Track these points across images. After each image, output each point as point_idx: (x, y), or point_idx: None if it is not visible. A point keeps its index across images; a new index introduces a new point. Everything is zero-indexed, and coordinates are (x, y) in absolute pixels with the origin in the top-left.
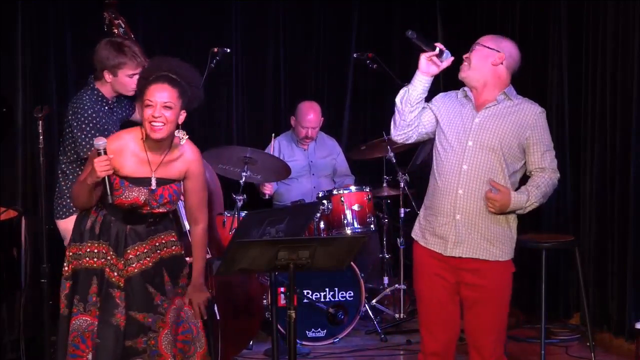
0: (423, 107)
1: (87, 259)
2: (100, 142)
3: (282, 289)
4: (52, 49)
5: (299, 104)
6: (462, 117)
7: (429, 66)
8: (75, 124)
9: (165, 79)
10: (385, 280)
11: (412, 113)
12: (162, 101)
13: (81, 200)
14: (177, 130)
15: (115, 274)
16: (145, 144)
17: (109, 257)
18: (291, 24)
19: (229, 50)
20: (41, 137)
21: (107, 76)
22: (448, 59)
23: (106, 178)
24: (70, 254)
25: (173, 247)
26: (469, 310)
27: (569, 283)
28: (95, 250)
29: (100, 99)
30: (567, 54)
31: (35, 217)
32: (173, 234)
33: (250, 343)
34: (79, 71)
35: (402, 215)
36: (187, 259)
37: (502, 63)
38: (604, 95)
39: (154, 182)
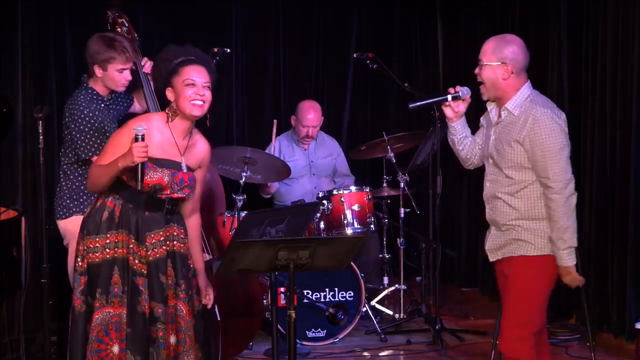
0: (473, 139)
1: (108, 250)
2: (140, 127)
3: (282, 289)
4: (52, 49)
5: (300, 103)
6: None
7: (453, 113)
8: (72, 125)
9: (201, 62)
10: (385, 280)
11: (464, 150)
12: (203, 81)
13: (101, 183)
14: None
15: (137, 261)
16: (171, 126)
17: (131, 245)
18: (291, 24)
19: (228, 51)
20: (41, 137)
21: (97, 71)
22: (467, 95)
23: (140, 164)
24: (85, 247)
25: (183, 245)
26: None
27: None
28: (116, 240)
29: (95, 97)
30: (567, 53)
31: (35, 217)
32: (183, 231)
33: (250, 343)
34: (78, 71)
35: (402, 215)
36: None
37: (512, 73)
38: (604, 95)
39: (184, 167)
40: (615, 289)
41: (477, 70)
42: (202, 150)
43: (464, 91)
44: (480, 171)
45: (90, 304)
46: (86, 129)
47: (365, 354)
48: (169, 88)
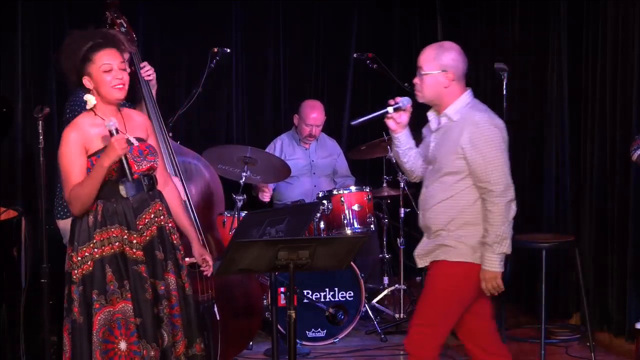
0: (417, 150)
1: (96, 249)
2: (110, 122)
3: (282, 289)
4: (52, 49)
5: (303, 102)
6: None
7: (396, 124)
8: (70, 117)
9: (108, 45)
10: (385, 280)
11: (408, 163)
12: (118, 62)
13: (89, 196)
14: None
15: (134, 250)
16: (99, 115)
17: (124, 237)
18: (291, 24)
19: (228, 51)
20: (41, 137)
21: None
22: (408, 105)
23: (124, 156)
24: (80, 258)
25: (167, 220)
26: None
27: (569, 283)
28: (103, 238)
29: None
30: (567, 53)
31: (35, 217)
32: (165, 205)
33: (250, 343)
34: None
35: (402, 215)
36: (187, 259)
37: (453, 80)
38: (604, 95)
39: (133, 140)
40: (615, 289)
41: (416, 80)
42: (140, 118)
43: (405, 101)
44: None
45: (89, 311)
46: None
47: (365, 354)
48: (86, 77)
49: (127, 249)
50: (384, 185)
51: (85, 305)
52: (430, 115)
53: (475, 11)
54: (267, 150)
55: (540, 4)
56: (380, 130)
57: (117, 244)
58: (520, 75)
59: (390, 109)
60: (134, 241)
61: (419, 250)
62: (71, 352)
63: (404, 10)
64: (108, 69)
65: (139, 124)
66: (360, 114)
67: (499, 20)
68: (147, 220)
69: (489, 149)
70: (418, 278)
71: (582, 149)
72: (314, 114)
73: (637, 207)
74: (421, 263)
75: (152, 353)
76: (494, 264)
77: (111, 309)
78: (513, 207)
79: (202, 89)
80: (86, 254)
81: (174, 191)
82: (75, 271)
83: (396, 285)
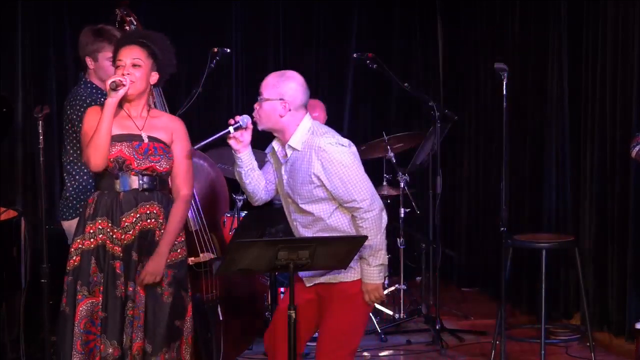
0: (260, 172)
1: (86, 241)
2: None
3: (282, 289)
4: (51, 48)
5: None
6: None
7: (238, 143)
8: (74, 116)
9: (134, 42)
10: (385, 280)
11: (250, 184)
12: (132, 58)
13: (101, 143)
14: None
15: (114, 245)
16: (122, 107)
17: (108, 230)
18: (291, 24)
19: (228, 51)
20: (41, 137)
21: (90, 63)
22: (248, 123)
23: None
24: (73, 249)
25: (149, 220)
26: None
27: (569, 283)
28: (91, 231)
29: (94, 90)
30: (567, 53)
31: (35, 217)
32: (162, 214)
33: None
34: (78, 71)
35: (402, 215)
36: (191, 259)
37: (290, 110)
38: (604, 95)
39: (145, 137)
40: (615, 289)
41: (256, 105)
42: (169, 121)
43: (244, 119)
44: (480, 169)
45: (73, 301)
46: None
47: (365, 354)
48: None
49: (108, 242)
50: (384, 184)
51: (72, 296)
52: (276, 145)
53: (476, 11)
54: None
55: (540, 4)
56: (380, 131)
57: (101, 236)
58: (520, 75)
59: (231, 129)
60: (115, 236)
61: (306, 274)
62: (57, 339)
63: (404, 10)
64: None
65: (163, 126)
66: (362, 114)
67: (499, 20)
68: (133, 219)
69: (343, 170)
70: (418, 278)
71: (582, 149)
72: (315, 112)
73: (637, 207)
74: (310, 282)
75: (110, 350)
76: (373, 277)
77: (94, 301)
78: (384, 217)
79: (202, 89)
80: (78, 246)
81: (183, 208)
82: (69, 262)
83: (396, 286)
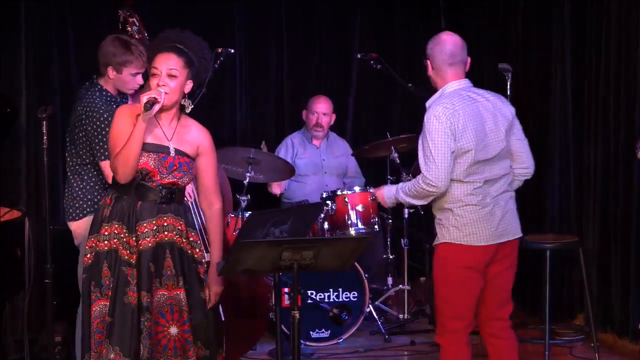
0: None
1: (101, 243)
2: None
3: (286, 290)
4: (55, 48)
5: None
6: None
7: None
8: (90, 128)
9: (172, 49)
10: (389, 280)
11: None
12: (168, 68)
13: (129, 158)
14: (183, 99)
15: (128, 251)
16: (155, 115)
17: (122, 236)
18: (294, 24)
19: (232, 51)
20: (45, 138)
21: (111, 72)
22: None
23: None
24: (88, 247)
25: (180, 237)
26: None
27: (573, 284)
28: (106, 233)
29: (109, 98)
30: (570, 53)
31: (39, 217)
32: (183, 223)
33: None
34: (82, 71)
35: (406, 215)
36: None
37: None
38: (608, 95)
39: (172, 150)
40: (618, 290)
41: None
42: (196, 134)
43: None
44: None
45: (89, 300)
46: (104, 132)
47: (369, 354)
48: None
49: (121, 248)
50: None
51: (87, 294)
52: None
53: (478, 11)
54: (278, 148)
55: (543, 4)
56: (384, 131)
57: (115, 240)
58: (524, 75)
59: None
60: (128, 243)
61: None
62: (81, 331)
63: (407, 10)
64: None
65: (191, 140)
66: (365, 114)
67: (502, 20)
68: (146, 229)
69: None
70: (422, 278)
71: (585, 149)
72: (320, 102)
73: None
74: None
75: (112, 356)
76: (389, 195)
77: (106, 303)
78: (425, 190)
79: (206, 89)
80: (92, 244)
81: (214, 215)
82: (84, 258)
83: (400, 286)
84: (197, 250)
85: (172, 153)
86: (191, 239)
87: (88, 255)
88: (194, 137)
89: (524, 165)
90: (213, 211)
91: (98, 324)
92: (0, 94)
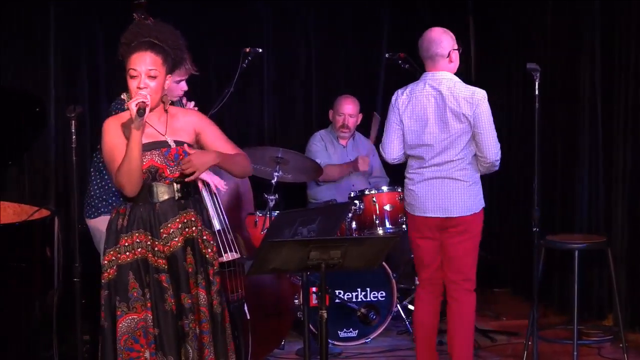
0: None
1: (122, 255)
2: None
3: (314, 289)
4: (83, 48)
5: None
6: None
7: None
8: None
9: (148, 46)
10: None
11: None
12: (147, 69)
13: (133, 170)
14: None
15: (157, 257)
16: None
17: (148, 243)
18: (321, 23)
19: (261, 50)
20: (74, 137)
21: None
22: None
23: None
24: (106, 262)
25: (200, 232)
26: None
27: (602, 284)
28: (127, 244)
29: None
30: (599, 52)
31: (68, 216)
32: (200, 218)
33: (282, 343)
34: (110, 71)
35: None
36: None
37: None
38: (637, 96)
39: (171, 143)
40: None
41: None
42: (186, 118)
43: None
44: (512, 169)
45: (114, 317)
46: None
47: (397, 354)
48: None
49: (150, 255)
50: None
51: (109, 311)
52: None
53: (507, 11)
54: (310, 142)
55: (572, 4)
56: None
57: (140, 249)
58: (552, 75)
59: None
60: (157, 249)
61: None
62: (100, 355)
63: (434, 10)
64: (134, 75)
65: (184, 125)
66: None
67: (530, 20)
68: (172, 229)
69: None
70: None
71: (614, 149)
72: (347, 103)
73: None
74: None
75: None
76: None
77: (135, 317)
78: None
79: (233, 88)
80: (112, 258)
81: (240, 155)
82: (103, 275)
83: None
84: (209, 250)
85: (173, 145)
86: (205, 237)
87: (109, 271)
88: (185, 121)
89: (481, 154)
90: (240, 154)
91: (126, 340)
92: (29, 93)
